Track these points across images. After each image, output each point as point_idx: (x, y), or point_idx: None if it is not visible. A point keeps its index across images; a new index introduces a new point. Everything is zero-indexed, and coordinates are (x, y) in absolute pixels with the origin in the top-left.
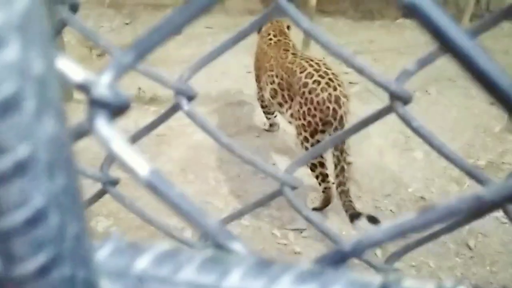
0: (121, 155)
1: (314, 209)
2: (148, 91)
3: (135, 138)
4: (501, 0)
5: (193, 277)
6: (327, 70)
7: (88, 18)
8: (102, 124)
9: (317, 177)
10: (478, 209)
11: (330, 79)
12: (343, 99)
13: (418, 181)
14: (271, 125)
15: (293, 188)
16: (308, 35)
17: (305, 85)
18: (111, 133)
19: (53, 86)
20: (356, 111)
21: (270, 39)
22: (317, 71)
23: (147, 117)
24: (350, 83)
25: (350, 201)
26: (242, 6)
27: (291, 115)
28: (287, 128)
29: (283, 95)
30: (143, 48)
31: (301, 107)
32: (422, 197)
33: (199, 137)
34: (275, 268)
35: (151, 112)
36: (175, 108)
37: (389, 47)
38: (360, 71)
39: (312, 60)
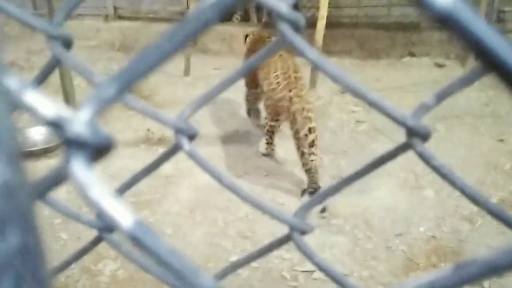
0: (101, 204)
1: (311, 193)
2: (156, 132)
3: (135, 180)
4: (507, 37)
5: None
6: (290, 75)
7: (98, 61)
8: (79, 167)
9: (266, 140)
10: None
11: (289, 82)
12: (295, 99)
13: (429, 220)
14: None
15: (303, 233)
16: (316, 67)
17: (271, 84)
18: (90, 178)
19: (3, 125)
20: (364, 149)
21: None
22: (283, 74)
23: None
24: (358, 121)
25: (315, 177)
26: None
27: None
28: (295, 169)
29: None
30: (127, 79)
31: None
32: (433, 236)
33: (208, 178)
34: None
35: (160, 153)
36: (175, 148)
37: (395, 85)
38: (372, 104)
39: (282, 65)
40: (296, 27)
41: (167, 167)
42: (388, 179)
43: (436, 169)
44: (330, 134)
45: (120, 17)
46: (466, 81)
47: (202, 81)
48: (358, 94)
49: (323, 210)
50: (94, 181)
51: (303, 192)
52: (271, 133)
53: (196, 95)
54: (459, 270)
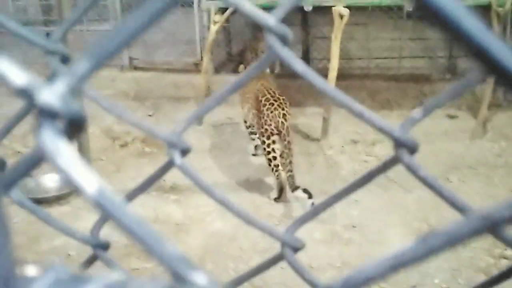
0: (68, 170)
1: (276, 199)
2: (168, 180)
3: (129, 198)
4: None
5: None
6: (279, 97)
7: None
8: (48, 136)
9: (272, 169)
10: (486, 230)
11: (280, 103)
12: (288, 116)
13: (444, 272)
14: (255, 147)
15: (295, 250)
16: (303, 78)
17: (264, 105)
18: (59, 147)
19: None
20: (377, 199)
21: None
22: (272, 97)
23: (167, 206)
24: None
25: (292, 178)
26: None
27: (257, 128)
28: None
29: (252, 114)
30: (100, 55)
31: (260, 120)
32: None
33: (219, 226)
34: None
35: (171, 200)
36: (168, 164)
37: None
38: (359, 116)
39: (270, 89)
40: (284, 40)
41: (177, 215)
42: (402, 229)
43: (424, 180)
44: (342, 183)
45: (135, 68)
46: (452, 94)
47: (214, 130)
48: (344, 106)
49: (310, 196)
50: (63, 150)
51: (292, 189)
52: (273, 152)
53: (208, 144)
54: (422, 243)
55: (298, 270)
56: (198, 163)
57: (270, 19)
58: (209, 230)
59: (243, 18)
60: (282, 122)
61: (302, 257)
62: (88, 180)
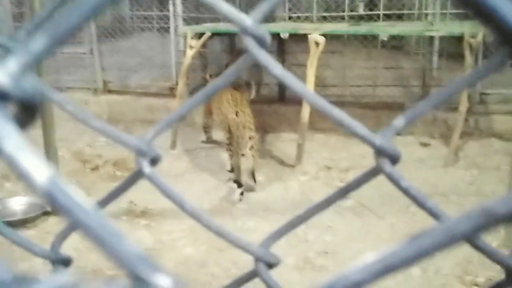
0: (16, 157)
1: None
2: (139, 204)
3: None
4: (489, 118)
5: None
6: (236, 97)
7: (85, 133)
8: None
9: (230, 156)
10: (485, 228)
11: (236, 103)
12: (240, 113)
13: None
14: (207, 138)
15: (270, 266)
16: (281, 81)
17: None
18: (6, 131)
19: None
20: (350, 225)
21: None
22: (232, 96)
23: (138, 231)
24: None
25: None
26: None
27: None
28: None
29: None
30: (58, 33)
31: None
32: None
33: (190, 251)
34: None
35: (142, 225)
36: (137, 174)
37: None
38: (339, 123)
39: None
40: (261, 42)
41: (148, 240)
42: (374, 254)
43: (405, 191)
44: None
45: (110, 91)
46: (442, 96)
47: (188, 155)
48: (323, 111)
49: (242, 193)
50: (10, 134)
51: (240, 186)
52: (229, 146)
53: (182, 167)
54: (414, 243)
55: (272, 287)
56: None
57: (247, 20)
58: (180, 256)
59: (219, 44)
60: (234, 118)
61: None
62: (38, 168)
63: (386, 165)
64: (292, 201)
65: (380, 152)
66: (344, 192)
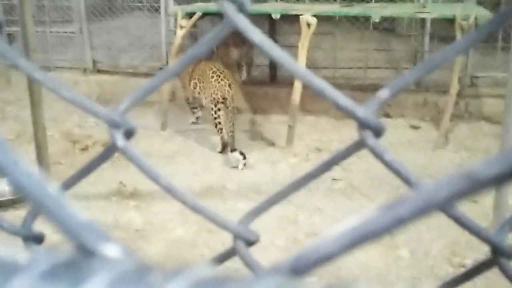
0: None
1: (220, 152)
2: (129, 185)
3: (65, 187)
4: (479, 101)
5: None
6: (223, 70)
7: (74, 113)
8: None
9: (217, 130)
10: (468, 194)
11: (225, 75)
12: (232, 85)
13: (404, 280)
14: (197, 118)
15: (249, 243)
16: (260, 48)
17: (212, 77)
18: None
19: None
20: (340, 207)
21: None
22: (218, 70)
23: (127, 212)
24: (334, 179)
25: (232, 139)
26: None
27: (205, 98)
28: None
29: (200, 87)
30: None
31: (209, 90)
32: None
33: (180, 233)
34: (158, 275)
35: (132, 206)
36: (111, 148)
37: None
38: (320, 93)
39: (215, 65)
40: (240, 7)
41: (137, 221)
42: None
43: (389, 164)
44: (305, 191)
45: (99, 71)
46: (427, 66)
47: (179, 135)
48: (303, 80)
49: (244, 157)
50: None
51: (231, 150)
52: (219, 118)
53: (172, 150)
54: (389, 211)
55: (250, 265)
56: (161, 169)
57: None
58: (169, 237)
59: (210, 24)
60: (228, 91)
61: (263, 263)
62: None
63: (369, 138)
64: (282, 183)
65: (363, 124)
66: (326, 166)
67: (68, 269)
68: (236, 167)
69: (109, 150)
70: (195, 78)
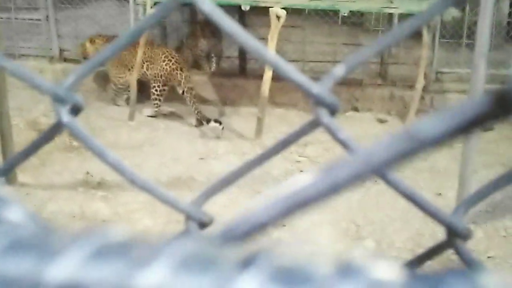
0: None
1: (215, 121)
2: (96, 175)
3: (10, 165)
4: (444, 97)
5: None
6: (174, 55)
7: (41, 102)
8: None
9: (155, 105)
10: (410, 154)
11: (176, 59)
12: (184, 68)
13: None
14: (126, 99)
15: (202, 225)
16: (210, 18)
17: (164, 61)
18: None
19: None
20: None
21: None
22: (170, 54)
23: (94, 202)
24: (302, 171)
25: (201, 113)
26: (197, 95)
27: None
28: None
29: (147, 65)
30: None
31: (159, 71)
32: None
33: (147, 223)
34: (60, 238)
35: (99, 197)
36: (57, 125)
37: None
38: (274, 66)
39: (167, 51)
40: None
41: (104, 211)
42: (330, 228)
43: (343, 143)
44: (274, 182)
45: (66, 60)
46: (379, 45)
47: (147, 126)
48: (257, 54)
49: (220, 124)
50: None
51: (208, 121)
52: (160, 97)
53: (139, 139)
54: (328, 174)
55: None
56: (129, 159)
57: None
58: (137, 228)
59: (180, 14)
60: (179, 74)
61: None
62: None
63: (324, 115)
64: (251, 175)
65: (318, 101)
66: (282, 146)
67: None
68: (218, 137)
69: (55, 127)
70: (147, 61)
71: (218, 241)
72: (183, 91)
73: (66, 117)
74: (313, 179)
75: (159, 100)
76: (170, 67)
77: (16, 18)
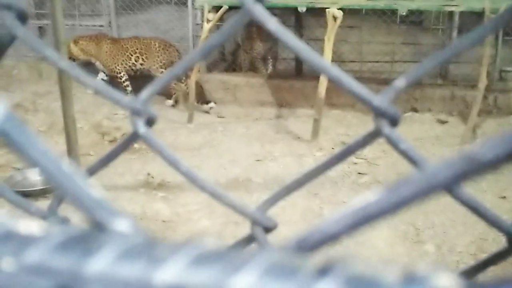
0: None
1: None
2: (157, 177)
3: (90, 173)
4: (507, 96)
5: (42, 259)
6: (167, 42)
7: (104, 105)
8: None
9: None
10: (470, 175)
11: (170, 44)
12: (177, 53)
13: None
14: (127, 85)
15: (267, 230)
16: (276, 37)
17: (158, 50)
18: None
19: None
20: None
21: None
22: (164, 43)
23: (155, 203)
24: (359, 173)
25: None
26: (253, 97)
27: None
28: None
29: (143, 59)
30: None
31: (157, 57)
32: None
33: (206, 224)
34: (164, 249)
35: (159, 197)
36: (133, 135)
37: None
38: (336, 81)
39: (159, 39)
40: None
41: (165, 212)
42: (388, 231)
43: (405, 153)
44: (331, 184)
45: None
46: (443, 55)
47: (205, 128)
48: (320, 69)
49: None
50: None
51: (207, 102)
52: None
53: (198, 142)
54: (392, 192)
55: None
56: (187, 161)
57: None
58: (196, 228)
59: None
60: (176, 55)
61: None
62: None
63: (385, 126)
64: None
65: (378, 113)
66: (343, 155)
67: (80, 242)
68: (208, 112)
69: (131, 137)
70: (135, 53)
71: (294, 249)
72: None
73: (142, 128)
74: (379, 197)
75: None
76: (167, 50)
77: (80, 25)
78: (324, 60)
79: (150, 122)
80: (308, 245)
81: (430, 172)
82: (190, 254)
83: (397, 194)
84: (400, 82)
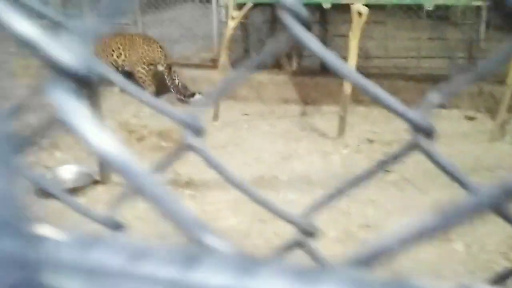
0: (85, 132)
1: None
2: (184, 175)
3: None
4: None
5: (153, 270)
6: (151, 38)
7: (130, 103)
8: (60, 93)
9: (147, 86)
10: (506, 202)
11: (154, 41)
12: (161, 48)
13: (459, 275)
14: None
15: (309, 235)
16: (320, 57)
17: (144, 43)
18: (72, 105)
19: None
20: (392, 199)
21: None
22: (148, 39)
23: (183, 201)
24: (387, 171)
25: (185, 88)
26: (277, 95)
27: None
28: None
29: (125, 55)
30: (112, 10)
31: (141, 54)
32: None
33: (233, 222)
34: (260, 264)
35: (187, 195)
36: (183, 147)
37: None
38: (374, 97)
39: (142, 35)
40: (300, 19)
41: (193, 209)
42: None
43: (441, 166)
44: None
45: None
46: (478, 74)
47: (230, 126)
48: (358, 85)
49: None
50: (77, 109)
51: (192, 95)
52: (149, 76)
53: (224, 139)
54: (443, 216)
55: (316, 258)
56: None
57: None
58: (223, 227)
59: (261, 15)
60: (160, 51)
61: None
62: (105, 141)
63: (421, 139)
64: (333, 174)
65: (415, 126)
66: (382, 166)
67: (183, 256)
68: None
69: (181, 148)
70: (119, 49)
71: (355, 262)
72: (164, 68)
73: (192, 140)
74: (433, 219)
75: (148, 80)
76: (150, 46)
77: None
78: (364, 78)
79: (199, 133)
80: (367, 260)
81: (479, 200)
82: (277, 269)
83: (448, 217)
84: (434, 98)
